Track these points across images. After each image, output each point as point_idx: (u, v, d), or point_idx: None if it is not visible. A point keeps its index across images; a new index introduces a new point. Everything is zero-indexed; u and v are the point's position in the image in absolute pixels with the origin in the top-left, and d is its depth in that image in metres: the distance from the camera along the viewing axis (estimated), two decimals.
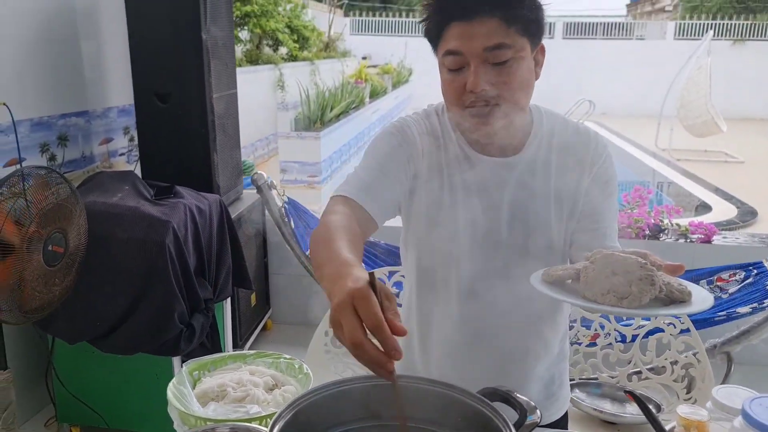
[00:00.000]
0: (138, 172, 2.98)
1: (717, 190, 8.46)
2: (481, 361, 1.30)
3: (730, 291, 2.70)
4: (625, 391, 1.32)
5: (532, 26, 1.16)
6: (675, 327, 2.04)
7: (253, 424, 1.20)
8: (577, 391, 2.02)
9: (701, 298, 1.01)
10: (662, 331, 2.06)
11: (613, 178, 1.31)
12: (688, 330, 2.03)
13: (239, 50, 9.34)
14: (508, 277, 1.24)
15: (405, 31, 20.51)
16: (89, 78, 3.03)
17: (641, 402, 1.29)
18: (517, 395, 0.89)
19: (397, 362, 0.74)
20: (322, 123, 7.43)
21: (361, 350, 0.74)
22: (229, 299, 2.93)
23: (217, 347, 2.66)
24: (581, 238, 1.28)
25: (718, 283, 2.75)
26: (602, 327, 2.16)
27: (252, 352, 1.55)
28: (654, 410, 1.33)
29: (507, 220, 1.25)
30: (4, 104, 2.42)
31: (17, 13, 2.57)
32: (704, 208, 7.56)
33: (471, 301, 1.28)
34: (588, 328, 2.18)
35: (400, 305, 2.29)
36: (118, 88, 3.21)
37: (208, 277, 2.64)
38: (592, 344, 2.15)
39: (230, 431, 1.18)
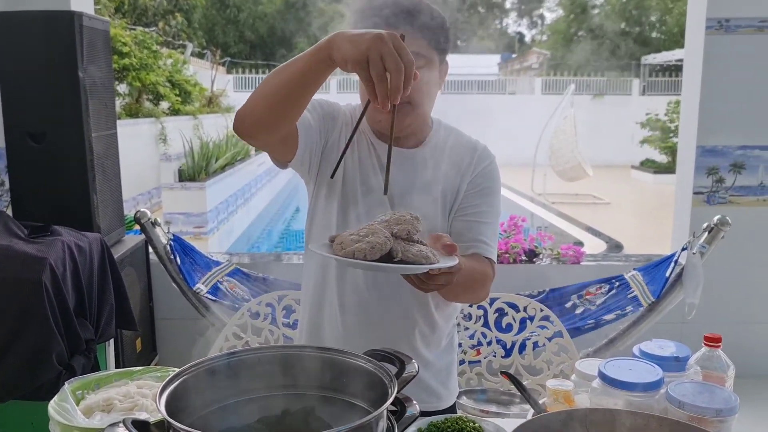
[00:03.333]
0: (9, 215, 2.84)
1: (588, 229, 9.09)
2: (372, 341, 1.38)
3: (597, 303, 2.93)
4: (502, 372, 1.42)
5: (441, 41, 1.36)
6: (548, 330, 2.20)
7: None
8: (464, 398, 2.12)
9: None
10: (537, 335, 2.22)
11: (493, 188, 1.47)
12: (561, 334, 2.19)
13: (118, 104, 9.11)
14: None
15: None
16: None
17: (515, 379, 1.39)
18: (397, 352, 0.96)
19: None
20: (207, 174, 7.36)
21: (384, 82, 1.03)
22: (112, 342, 2.82)
23: None
24: (456, 226, 1.43)
25: (587, 297, 2.98)
26: (484, 336, 2.29)
27: (139, 368, 1.52)
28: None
29: (396, 203, 1.39)
30: None
31: None
32: (578, 244, 8.07)
33: (358, 278, 1.39)
34: (471, 338, 2.30)
35: (290, 325, 2.32)
36: None
37: (89, 317, 2.54)
38: (477, 362, 2.28)
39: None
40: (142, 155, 8.98)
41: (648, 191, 14.01)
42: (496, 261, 1.44)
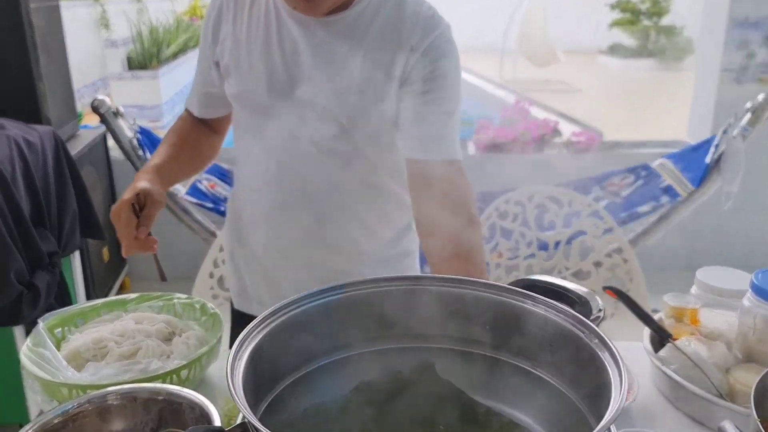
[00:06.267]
0: None
1: (562, 116, 8.82)
2: (298, 225, 1.18)
3: (623, 194, 2.65)
4: (604, 288, 1.11)
5: None
6: (598, 228, 1.91)
7: (157, 384, 0.85)
8: None
9: None
10: (585, 234, 1.93)
11: (445, 67, 1.09)
12: (611, 230, 1.91)
13: None
14: (304, 136, 1.13)
15: None
16: None
17: (624, 295, 1.10)
18: (566, 285, 0.63)
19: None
20: (159, 62, 6.69)
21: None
22: (78, 253, 2.45)
23: None
24: (402, 120, 1.10)
25: (610, 189, 2.70)
26: (523, 236, 1.99)
27: (134, 295, 1.17)
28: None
29: (306, 77, 1.11)
30: None
31: None
32: (555, 132, 7.82)
33: (276, 156, 1.16)
34: (508, 239, 2.00)
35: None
36: None
37: (49, 227, 2.15)
38: (514, 257, 1.97)
39: (125, 400, 0.82)
40: (83, 43, 8.12)
41: (617, 77, 13.68)
42: (460, 158, 1.09)
